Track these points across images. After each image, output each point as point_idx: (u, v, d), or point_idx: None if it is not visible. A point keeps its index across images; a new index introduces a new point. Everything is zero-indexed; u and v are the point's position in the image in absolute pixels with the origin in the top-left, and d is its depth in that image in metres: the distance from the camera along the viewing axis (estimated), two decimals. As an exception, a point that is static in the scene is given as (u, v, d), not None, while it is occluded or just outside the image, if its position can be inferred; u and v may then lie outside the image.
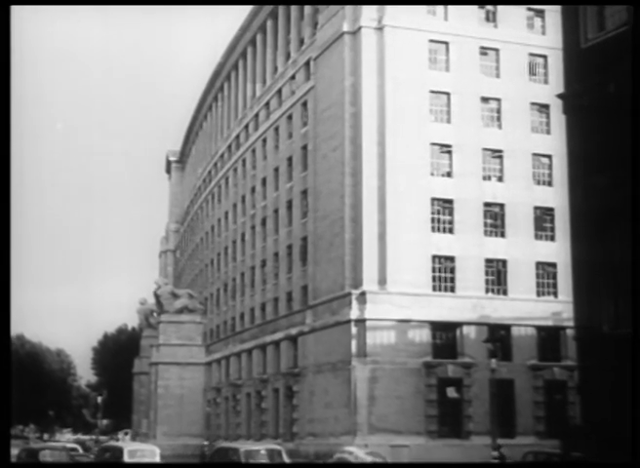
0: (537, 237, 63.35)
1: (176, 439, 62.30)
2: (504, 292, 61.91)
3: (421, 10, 63.39)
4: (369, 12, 62.83)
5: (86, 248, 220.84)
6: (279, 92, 78.30)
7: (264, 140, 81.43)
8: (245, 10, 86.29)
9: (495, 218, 62.83)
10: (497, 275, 62.11)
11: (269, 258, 77.61)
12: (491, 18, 65.31)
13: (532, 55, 65.38)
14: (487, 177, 63.26)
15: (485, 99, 64.00)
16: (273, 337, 72.47)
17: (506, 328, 59.50)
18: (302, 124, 71.76)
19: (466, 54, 63.82)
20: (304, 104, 71.60)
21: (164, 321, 66.87)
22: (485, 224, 62.46)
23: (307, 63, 71.58)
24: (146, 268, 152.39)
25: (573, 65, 26.49)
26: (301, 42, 74.82)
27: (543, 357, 61.61)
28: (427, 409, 58.30)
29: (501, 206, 62.93)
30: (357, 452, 44.87)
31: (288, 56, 78.08)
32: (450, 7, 63.77)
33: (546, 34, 64.78)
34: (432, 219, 61.31)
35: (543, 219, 63.72)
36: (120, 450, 36.82)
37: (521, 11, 65.73)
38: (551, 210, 63.19)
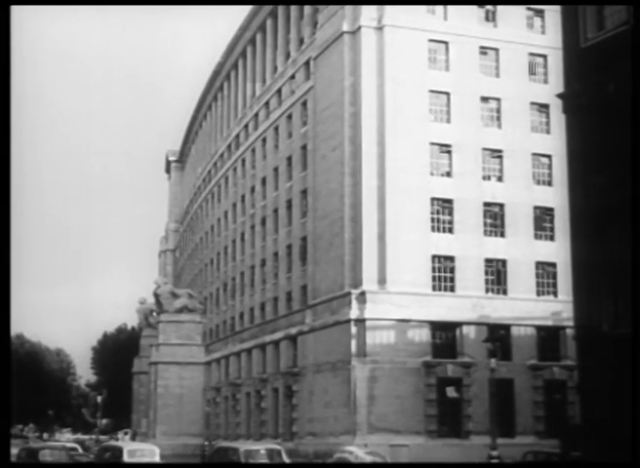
0: (536, 237, 63.34)
1: (175, 438, 62.28)
2: (504, 292, 61.90)
3: (421, 9, 63.38)
4: (368, 11, 62.81)
5: (86, 248, 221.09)
6: (279, 91, 78.27)
7: (264, 140, 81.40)
8: (245, 9, 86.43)
9: (494, 218, 62.82)
10: (496, 275, 62.10)
11: (269, 258, 77.58)
12: (490, 17, 65.30)
13: (531, 54, 65.37)
14: (487, 177, 63.26)
15: (485, 99, 63.99)
16: (273, 337, 72.42)
17: (506, 327, 59.48)
18: (302, 123, 71.73)
19: (466, 53, 63.80)
20: (304, 104, 71.57)
21: (163, 320, 66.89)
22: (485, 224, 62.44)
23: (307, 63, 71.55)
24: (146, 268, 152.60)
25: (572, 65, 26.47)
26: (301, 41, 74.79)
27: (543, 356, 61.61)
28: (427, 409, 58.29)
29: (501, 205, 62.92)
30: (357, 452, 44.77)
31: (287, 55, 78.06)
32: (449, 6, 63.75)
33: (546, 34, 64.76)
34: (432, 219, 61.28)
35: (543, 219, 63.70)
36: (120, 450, 36.87)
37: (521, 10, 65.72)
38: (551, 209, 63.18)
